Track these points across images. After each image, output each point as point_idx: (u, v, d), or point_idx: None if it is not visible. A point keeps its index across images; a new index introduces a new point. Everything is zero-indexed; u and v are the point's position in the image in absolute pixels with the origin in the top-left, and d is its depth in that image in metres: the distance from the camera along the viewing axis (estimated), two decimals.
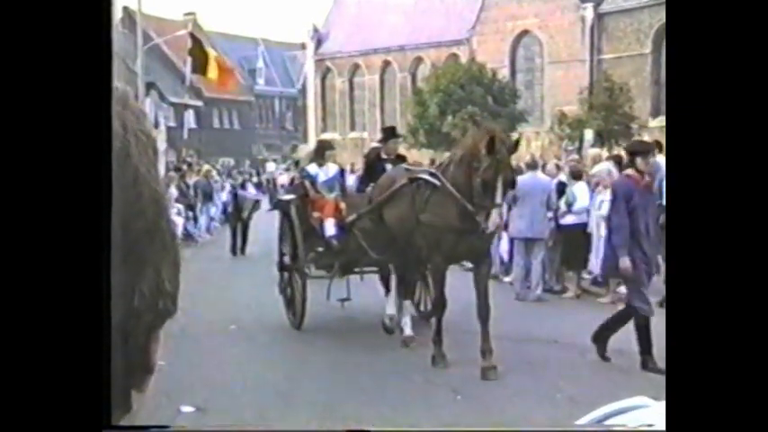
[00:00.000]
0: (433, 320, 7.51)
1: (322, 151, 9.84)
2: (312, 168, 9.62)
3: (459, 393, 6.56)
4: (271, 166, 30.44)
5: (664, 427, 0.61)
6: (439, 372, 7.14)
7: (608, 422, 0.79)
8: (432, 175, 7.66)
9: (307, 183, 9.47)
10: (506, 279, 12.36)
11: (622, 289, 10.93)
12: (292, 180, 11.23)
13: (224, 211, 19.97)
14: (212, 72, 21.65)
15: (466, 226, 7.05)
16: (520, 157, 12.28)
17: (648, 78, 42.83)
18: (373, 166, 9.51)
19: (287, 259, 9.55)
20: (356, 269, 9.22)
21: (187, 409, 6.08)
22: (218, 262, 15.44)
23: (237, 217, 17.14)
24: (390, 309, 8.65)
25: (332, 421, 5.94)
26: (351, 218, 8.75)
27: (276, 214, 10.32)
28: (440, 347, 7.34)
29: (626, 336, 8.20)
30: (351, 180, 12.02)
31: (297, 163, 19.36)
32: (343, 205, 9.06)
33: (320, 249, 9.07)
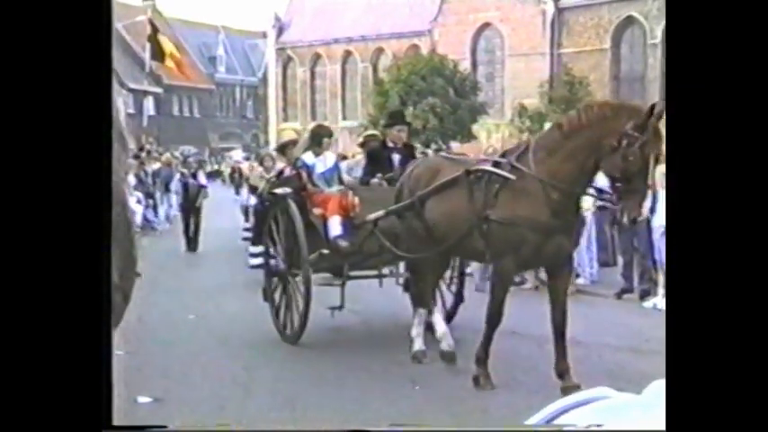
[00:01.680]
0: (483, 335, 6.47)
1: (319, 138, 8.60)
2: (308, 158, 8.39)
3: (417, 384, 6.59)
4: (237, 155, 28.57)
5: (633, 419, 0.62)
6: (398, 362, 7.16)
7: (570, 414, 0.79)
8: (495, 164, 6.53)
9: (303, 174, 8.30)
10: (467, 270, 12.44)
11: (580, 281, 11.09)
12: (281, 172, 9.61)
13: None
14: (169, 62, 21.56)
15: (557, 223, 6.11)
16: (479, 149, 12.34)
17: (607, 73, 43.29)
18: (378, 156, 8.74)
19: (278, 262, 8.48)
20: (353, 272, 8.22)
21: (144, 399, 6.03)
22: (176, 251, 15.31)
23: (189, 209, 16.23)
24: (418, 340, 7.34)
25: (290, 412, 5.94)
26: (374, 215, 7.56)
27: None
28: (485, 367, 6.42)
29: (584, 326, 8.30)
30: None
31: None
32: (355, 200, 7.90)
33: (324, 251, 7.85)
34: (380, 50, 52.43)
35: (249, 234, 14.13)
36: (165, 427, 0.66)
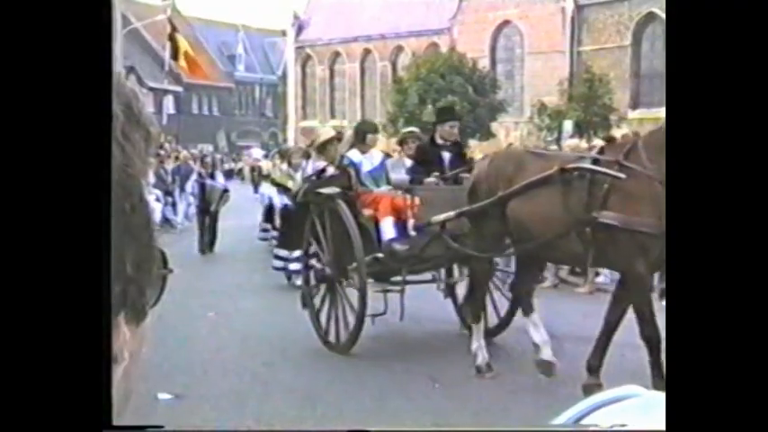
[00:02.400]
0: (599, 341, 6.04)
1: (363, 135, 8.10)
2: (354, 155, 7.87)
3: (437, 382, 6.58)
4: (257, 152, 27.27)
5: (661, 418, 0.60)
6: (417, 361, 7.15)
7: (599, 412, 0.78)
8: (595, 162, 5.98)
9: (351, 173, 7.71)
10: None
11: (600, 279, 11.03)
12: (322, 170, 8.83)
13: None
14: (182, 61, 21.76)
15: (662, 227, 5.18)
16: (498, 148, 12.31)
17: (628, 70, 43.10)
18: (427, 154, 8.23)
19: (323, 266, 7.90)
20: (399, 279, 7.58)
21: (164, 396, 6.06)
22: (195, 249, 15.37)
23: (206, 210, 15.22)
24: (480, 353, 6.84)
25: (310, 410, 5.95)
26: (442, 216, 6.94)
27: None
28: (597, 376, 5.97)
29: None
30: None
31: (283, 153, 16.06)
32: (416, 201, 7.28)
33: (379, 255, 7.32)
34: (399, 48, 52.45)
35: (267, 234, 13.66)
36: (162, 426, 0.65)
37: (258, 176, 21.83)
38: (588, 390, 5.72)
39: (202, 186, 15.59)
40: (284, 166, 12.64)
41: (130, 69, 40.76)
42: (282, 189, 11.81)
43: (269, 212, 13.25)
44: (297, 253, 9.99)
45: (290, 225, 10.77)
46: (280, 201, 11.89)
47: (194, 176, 16.43)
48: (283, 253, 11.17)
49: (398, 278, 7.58)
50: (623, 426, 0.68)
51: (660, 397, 0.70)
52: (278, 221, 12.00)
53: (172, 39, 22.02)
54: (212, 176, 15.94)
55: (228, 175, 30.95)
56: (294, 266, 10.60)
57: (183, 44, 21.79)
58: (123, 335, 0.56)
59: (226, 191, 15.54)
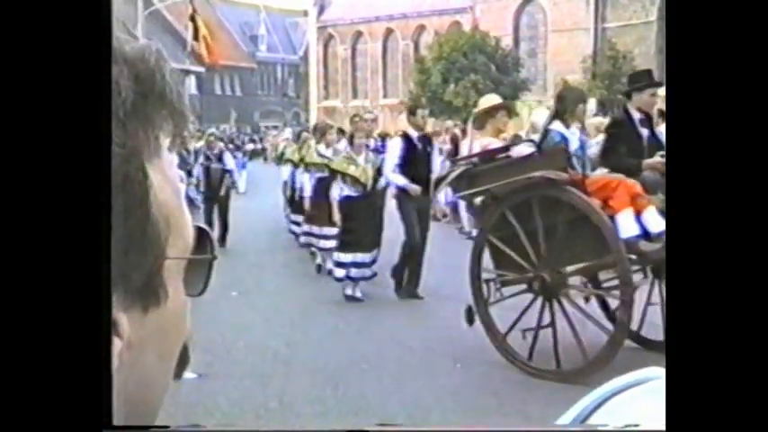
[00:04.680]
0: None
1: (574, 104, 6.46)
2: (559, 128, 6.31)
3: (458, 362, 6.59)
4: (287, 133, 24.79)
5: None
6: (438, 341, 7.16)
7: (622, 395, 0.77)
8: None
9: (561, 152, 6.14)
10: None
11: None
12: (501, 148, 6.75)
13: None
14: (201, 47, 21.85)
15: None
16: (521, 126, 12.23)
17: (653, 47, 42.57)
18: (624, 130, 6.54)
19: (534, 273, 6.12)
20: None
21: (189, 375, 6.11)
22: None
23: (213, 198, 13.07)
24: None
25: (332, 389, 5.98)
26: None
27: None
28: None
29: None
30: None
31: (299, 134, 14.47)
32: (638, 188, 5.90)
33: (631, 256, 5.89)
34: (422, 28, 52.14)
35: (298, 229, 11.42)
36: (167, 427, 0.65)
37: (280, 159, 17.40)
38: None
39: (207, 170, 13.21)
40: (333, 147, 10.44)
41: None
42: (328, 172, 9.60)
43: (297, 200, 11.48)
44: (367, 257, 8.85)
45: (359, 222, 8.92)
46: (339, 192, 9.10)
47: (200, 159, 13.65)
48: (347, 258, 8.95)
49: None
50: (636, 426, 0.67)
51: None
52: (337, 217, 9.17)
53: (193, 20, 22.06)
54: (220, 159, 13.44)
55: (251, 155, 30.93)
56: (361, 272, 8.94)
57: (203, 28, 21.87)
58: (117, 321, 0.54)
59: (226, 171, 13.29)
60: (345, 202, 9.02)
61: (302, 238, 11.08)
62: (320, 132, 11.17)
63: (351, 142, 9.45)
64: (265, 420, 5.32)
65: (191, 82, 51.56)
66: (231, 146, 25.99)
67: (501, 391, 5.90)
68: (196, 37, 22.56)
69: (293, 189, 11.90)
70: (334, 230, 9.47)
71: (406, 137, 8.93)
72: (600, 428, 0.73)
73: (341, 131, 12.07)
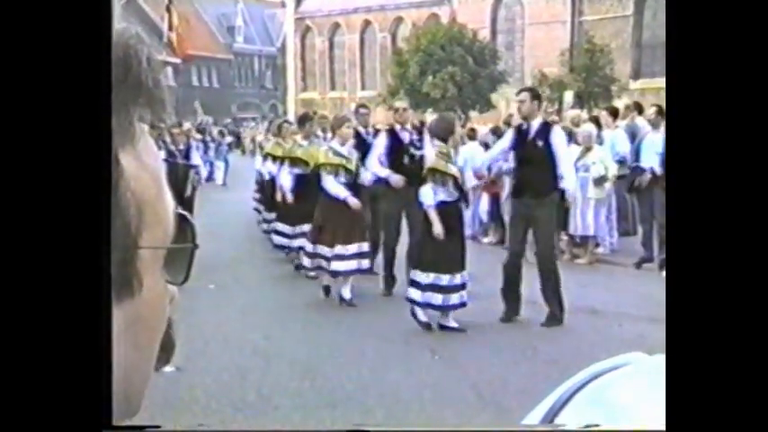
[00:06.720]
0: None
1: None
2: None
3: (436, 354, 6.61)
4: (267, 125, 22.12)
5: (663, 382, 0.60)
6: (417, 333, 7.17)
7: (602, 379, 0.78)
8: None
9: None
10: (485, 240, 12.42)
11: (600, 250, 11.04)
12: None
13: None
14: (172, 37, 21.72)
15: None
16: (499, 119, 12.25)
17: (629, 40, 42.83)
18: None
19: None
20: None
21: (167, 368, 6.07)
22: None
23: (177, 199, 10.86)
24: None
25: (310, 381, 5.97)
26: None
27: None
28: None
29: (604, 296, 8.28)
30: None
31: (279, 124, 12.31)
32: None
33: None
34: (399, 20, 52.10)
35: (285, 240, 10.36)
36: (159, 426, 0.64)
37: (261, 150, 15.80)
38: None
39: (171, 167, 10.58)
40: (332, 143, 8.81)
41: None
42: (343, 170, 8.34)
43: (286, 205, 10.19)
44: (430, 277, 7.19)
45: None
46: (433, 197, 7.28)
47: (162, 155, 11.02)
48: (426, 278, 7.22)
49: None
50: (596, 426, 0.68)
51: (662, 361, 0.69)
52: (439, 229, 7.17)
53: (169, 10, 21.89)
54: (187, 155, 11.66)
55: (229, 147, 30.65)
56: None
57: (175, 19, 21.76)
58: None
59: (190, 167, 11.09)
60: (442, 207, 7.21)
61: (306, 261, 8.85)
62: (336, 126, 8.92)
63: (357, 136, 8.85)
64: (243, 413, 5.31)
65: (167, 73, 51.15)
66: (208, 138, 25.82)
67: (479, 383, 5.92)
68: (171, 27, 22.39)
69: (273, 188, 10.72)
70: (351, 248, 8.19)
71: (390, 131, 8.90)
72: (562, 429, 0.73)
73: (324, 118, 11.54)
